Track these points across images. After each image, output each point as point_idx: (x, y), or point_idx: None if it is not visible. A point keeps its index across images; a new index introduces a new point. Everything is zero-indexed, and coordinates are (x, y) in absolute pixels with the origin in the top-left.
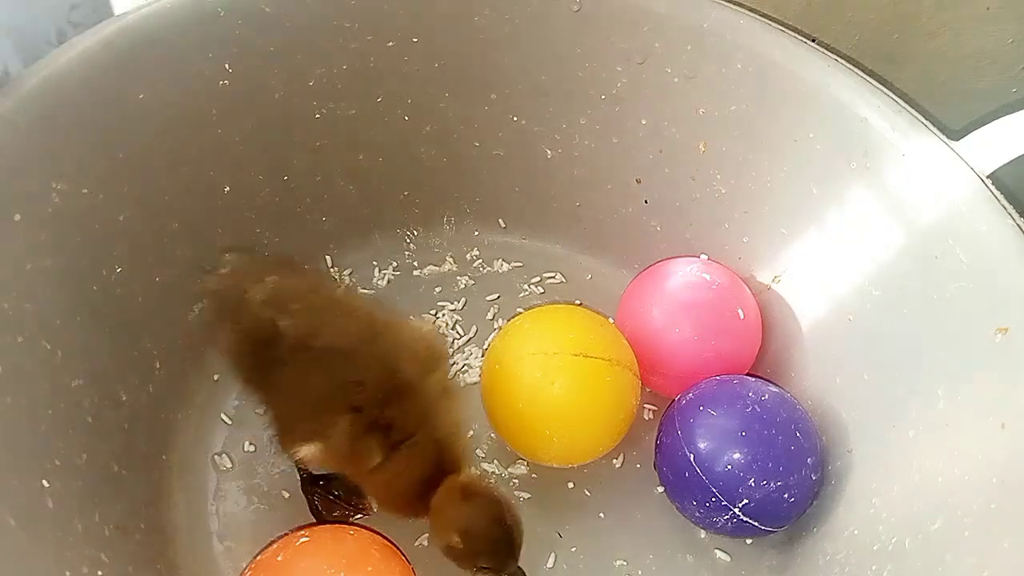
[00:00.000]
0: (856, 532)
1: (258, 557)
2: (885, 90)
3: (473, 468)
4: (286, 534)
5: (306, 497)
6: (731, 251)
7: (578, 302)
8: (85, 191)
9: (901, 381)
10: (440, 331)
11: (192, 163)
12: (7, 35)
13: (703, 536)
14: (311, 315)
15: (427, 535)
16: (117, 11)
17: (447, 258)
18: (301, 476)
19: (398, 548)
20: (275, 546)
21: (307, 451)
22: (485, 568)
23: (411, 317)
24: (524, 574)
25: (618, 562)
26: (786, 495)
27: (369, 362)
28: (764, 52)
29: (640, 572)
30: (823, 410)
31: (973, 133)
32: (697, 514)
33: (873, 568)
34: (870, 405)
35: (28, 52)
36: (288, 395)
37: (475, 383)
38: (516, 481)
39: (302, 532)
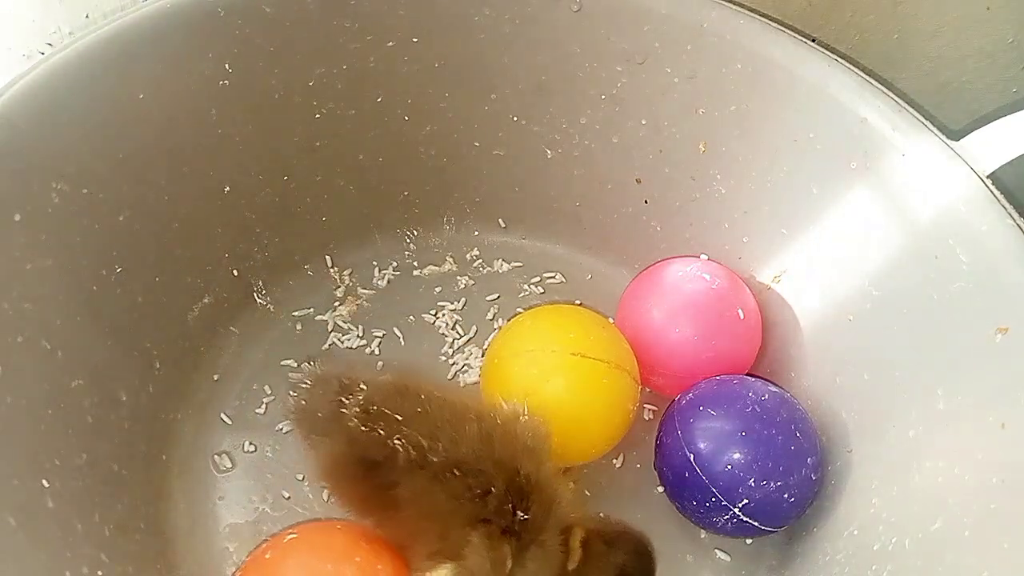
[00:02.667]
0: (856, 532)
1: (248, 558)
2: (885, 90)
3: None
4: (276, 534)
5: None
6: (731, 251)
7: (578, 302)
8: (85, 191)
9: (901, 381)
10: (440, 331)
11: (192, 163)
12: None
13: (703, 536)
14: (420, 427)
15: None
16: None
17: (447, 258)
18: None
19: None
20: (264, 545)
21: (440, 575)
22: None
23: (410, 318)
24: None
25: None
26: (786, 495)
27: (491, 470)
28: (764, 52)
29: None
30: (823, 410)
31: (973, 133)
32: (697, 514)
33: (873, 568)
34: (870, 405)
35: None
36: (406, 517)
37: (475, 383)
38: None
39: (291, 530)
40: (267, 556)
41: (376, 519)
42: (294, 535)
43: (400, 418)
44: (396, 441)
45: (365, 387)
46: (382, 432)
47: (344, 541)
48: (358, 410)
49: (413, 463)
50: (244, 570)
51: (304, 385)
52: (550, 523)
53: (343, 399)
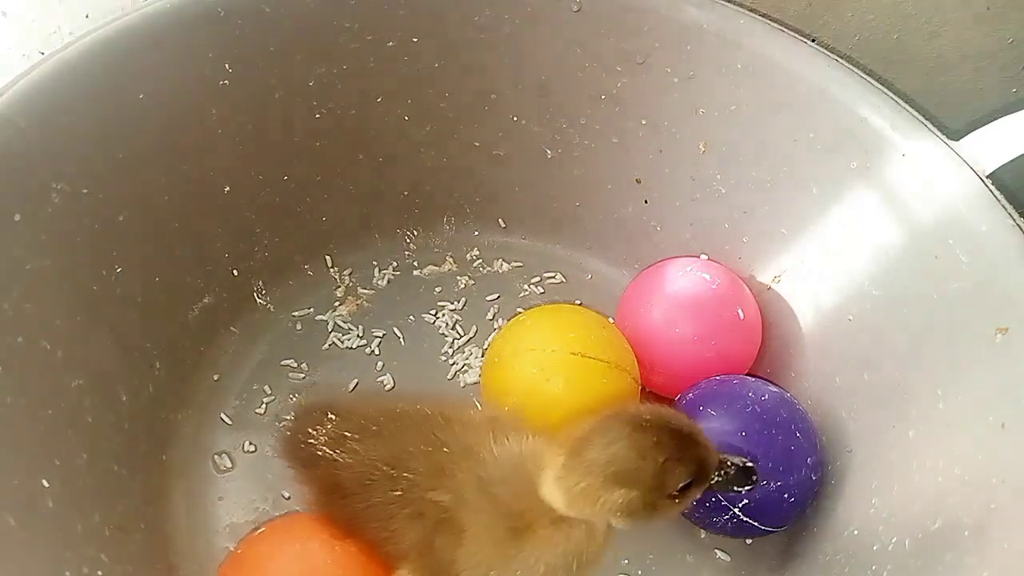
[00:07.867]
0: (856, 532)
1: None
2: (885, 90)
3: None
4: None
5: None
6: (731, 251)
7: (578, 302)
8: (85, 191)
9: (901, 381)
10: (440, 331)
11: (192, 163)
12: None
13: (703, 536)
14: (377, 452)
15: None
16: None
17: (447, 258)
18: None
19: None
20: (236, 545)
21: None
22: (686, 485)
23: (410, 318)
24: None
25: (618, 562)
26: (786, 495)
27: (415, 458)
28: (764, 52)
29: (640, 572)
30: (823, 410)
31: (973, 133)
32: (697, 514)
33: (873, 568)
34: (870, 405)
35: None
36: (366, 531)
37: (475, 383)
38: None
39: (260, 527)
40: (238, 551)
41: (357, 539)
42: (262, 529)
43: (354, 446)
44: (343, 464)
45: (335, 417)
46: (349, 459)
47: (310, 526)
48: (326, 438)
49: (374, 485)
50: (221, 570)
51: (287, 419)
52: (479, 488)
53: (312, 430)
